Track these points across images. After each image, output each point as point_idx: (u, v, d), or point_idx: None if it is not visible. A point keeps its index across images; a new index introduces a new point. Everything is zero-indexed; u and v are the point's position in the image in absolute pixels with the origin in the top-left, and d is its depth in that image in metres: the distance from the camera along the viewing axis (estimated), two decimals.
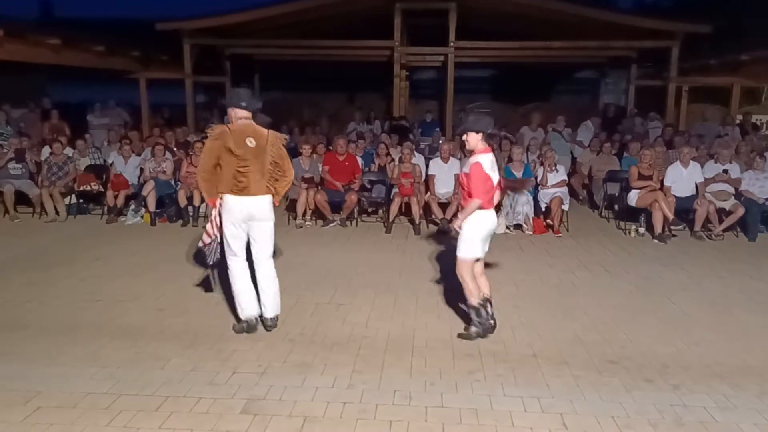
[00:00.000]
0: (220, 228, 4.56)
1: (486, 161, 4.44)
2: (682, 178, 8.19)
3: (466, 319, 4.79)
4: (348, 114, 15.16)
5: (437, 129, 12.73)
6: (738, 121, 12.17)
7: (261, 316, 4.70)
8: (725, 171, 8.30)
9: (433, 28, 12.80)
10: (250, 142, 4.45)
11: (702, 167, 8.35)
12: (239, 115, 4.54)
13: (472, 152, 4.55)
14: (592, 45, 13.38)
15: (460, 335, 4.62)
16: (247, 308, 4.64)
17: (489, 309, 4.58)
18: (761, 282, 6.06)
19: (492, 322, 4.58)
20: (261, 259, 4.66)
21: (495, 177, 4.50)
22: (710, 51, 12.75)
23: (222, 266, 4.82)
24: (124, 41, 12.29)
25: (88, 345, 4.40)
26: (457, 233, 4.59)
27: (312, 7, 12.32)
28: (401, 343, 4.52)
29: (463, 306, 4.92)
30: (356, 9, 12.80)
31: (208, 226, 4.64)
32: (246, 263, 4.66)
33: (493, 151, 4.45)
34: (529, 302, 5.44)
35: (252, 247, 4.64)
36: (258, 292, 4.66)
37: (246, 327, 4.64)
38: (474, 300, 4.55)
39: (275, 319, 4.72)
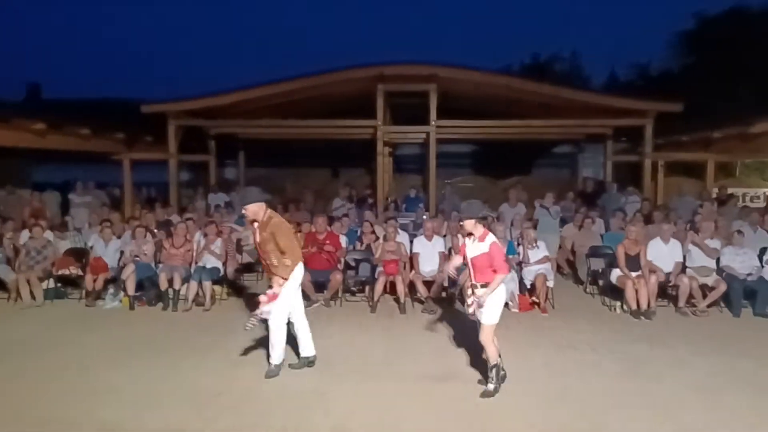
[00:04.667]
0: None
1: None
2: (663, 254, 8.26)
3: (458, 402, 4.82)
4: (332, 190, 15.30)
5: (420, 205, 12.84)
6: (714, 195, 12.42)
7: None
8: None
9: (415, 106, 13.14)
10: None
11: (683, 244, 8.44)
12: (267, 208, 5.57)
13: (471, 234, 5.23)
14: (569, 123, 13.80)
15: (483, 395, 5.09)
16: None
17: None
18: (748, 361, 6.01)
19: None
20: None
21: None
22: (683, 128, 13.15)
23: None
24: (109, 123, 12.43)
25: None
26: (479, 306, 5.11)
27: (296, 88, 12.62)
28: None
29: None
30: (340, 90, 13.13)
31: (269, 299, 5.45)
32: None
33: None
34: (518, 386, 5.33)
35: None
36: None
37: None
38: (494, 360, 5.15)
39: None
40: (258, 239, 5.62)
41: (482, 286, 5.13)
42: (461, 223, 5.27)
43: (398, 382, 5.45)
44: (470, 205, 5.50)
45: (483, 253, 5.13)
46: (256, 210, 5.60)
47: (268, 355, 5.68)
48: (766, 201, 13.00)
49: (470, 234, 5.26)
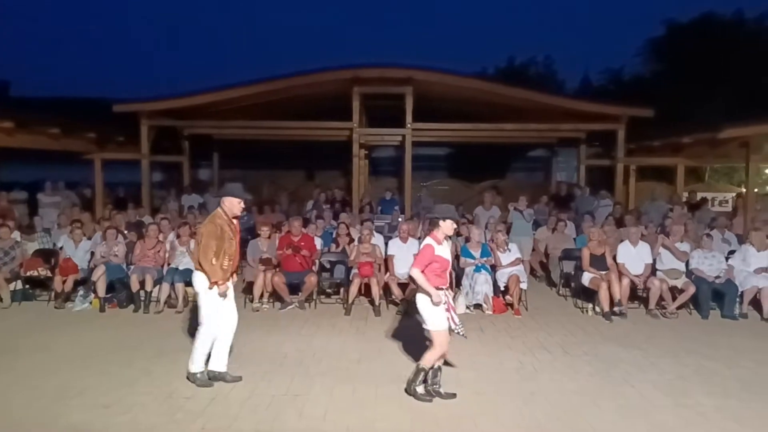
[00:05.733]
0: None
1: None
2: (632, 256, 8.39)
3: (431, 403, 4.97)
4: (307, 191, 15.24)
5: (396, 207, 12.85)
6: (684, 199, 12.65)
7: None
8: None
9: (391, 108, 13.16)
10: None
11: (653, 247, 8.58)
12: None
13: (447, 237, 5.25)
14: (543, 127, 13.94)
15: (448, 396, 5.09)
16: None
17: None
18: (716, 362, 6.13)
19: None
20: None
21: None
22: (654, 133, 13.37)
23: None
24: (80, 122, 12.20)
25: None
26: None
27: (271, 90, 12.55)
28: None
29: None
30: (316, 92, 13.08)
31: None
32: None
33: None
34: (491, 388, 5.37)
35: None
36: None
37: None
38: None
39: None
40: (237, 237, 5.47)
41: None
42: (444, 225, 5.12)
43: (372, 384, 5.44)
44: (447, 207, 5.30)
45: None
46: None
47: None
48: (734, 205, 13.27)
49: (446, 237, 5.22)
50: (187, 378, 5.36)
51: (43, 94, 21.48)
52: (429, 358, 5.05)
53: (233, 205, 5.37)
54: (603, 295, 7.97)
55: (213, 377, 5.39)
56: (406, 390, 5.11)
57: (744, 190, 13.18)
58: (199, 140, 15.36)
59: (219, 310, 5.33)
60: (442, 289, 5.06)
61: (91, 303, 8.29)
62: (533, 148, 17.70)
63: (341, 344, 6.74)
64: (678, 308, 8.15)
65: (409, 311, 8.13)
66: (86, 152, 12.77)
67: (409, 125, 12.69)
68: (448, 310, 5.07)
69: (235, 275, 5.58)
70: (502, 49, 58.28)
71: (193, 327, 7.24)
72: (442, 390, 5.10)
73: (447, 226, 5.13)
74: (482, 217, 11.05)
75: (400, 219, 11.23)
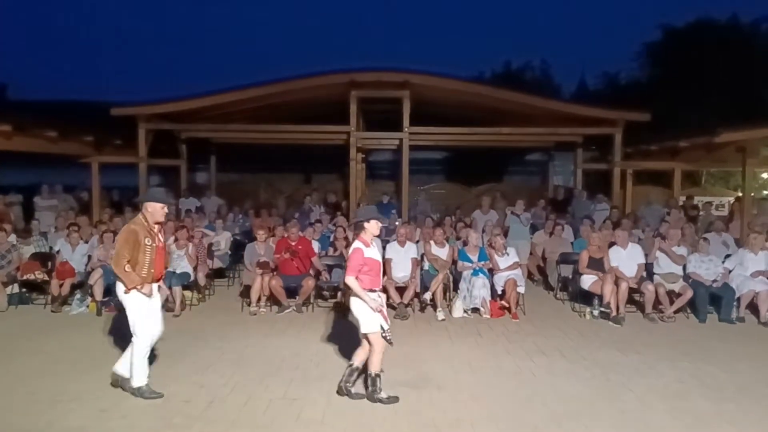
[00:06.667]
0: None
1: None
2: (622, 259, 8.39)
3: (429, 408, 4.86)
4: (305, 195, 15.22)
5: (393, 211, 12.86)
6: (681, 203, 12.68)
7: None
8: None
9: (389, 112, 13.17)
10: None
11: (648, 252, 8.59)
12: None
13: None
14: (540, 131, 13.98)
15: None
16: None
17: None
18: (713, 366, 6.13)
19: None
20: None
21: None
22: (651, 137, 13.40)
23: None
24: (78, 125, 12.17)
25: None
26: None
27: (269, 93, 12.55)
28: None
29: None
30: (313, 96, 13.09)
31: None
32: None
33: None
34: (488, 392, 5.36)
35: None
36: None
37: None
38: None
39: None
40: (159, 243, 5.23)
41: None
42: (370, 226, 5.16)
43: None
44: (369, 208, 5.38)
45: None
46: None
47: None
48: (731, 209, 13.30)
49: (374, 237, 5.31)
50: (133, 394, 5.06)
51: (40, 97, 21.47)
52: (375, 362, 5.05)
53: (156, 210, 5.10)
54: (612, 300, 7.96)
55: (115, 381, 5.21)
56: (368, 399, 5.04)
57: (740, 194, 13.21)
58: (197, 144, 15.35)
59: (147, 315, 5.11)
60: (375, 291, 5.12)
61: (88, 306, 8.27)
62: (530, 152, 17.72)
63: (339, 348, 6.70)
64: (675, 312, 8.16)
65: (405, 314, 8.15)
66: (83, 155, 12.75)
67: (406, 129, 12.69)
68: (380, 311, 5.06)
69: (162, 283, 5.36)
70: (499, 53, 58.59)
71: (191, 330, 7.26)
72: (353, 390, 5.13)
73: (372, 227, 5.19)
74: (480, 221, 11.06)
75: (397, 223, 11.23)
